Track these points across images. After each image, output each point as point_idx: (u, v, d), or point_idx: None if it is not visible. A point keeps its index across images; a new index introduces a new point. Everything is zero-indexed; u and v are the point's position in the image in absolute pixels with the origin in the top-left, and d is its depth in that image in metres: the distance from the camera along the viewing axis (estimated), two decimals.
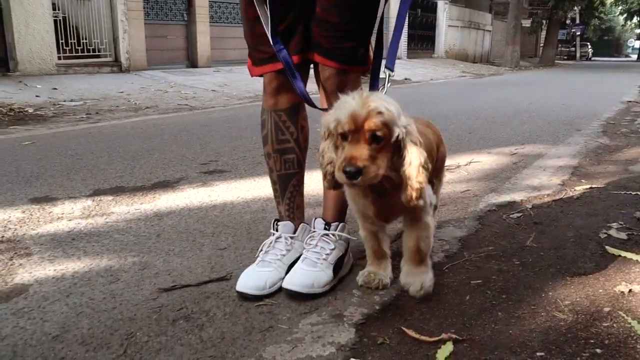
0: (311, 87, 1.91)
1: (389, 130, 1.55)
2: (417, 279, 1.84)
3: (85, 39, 10.72)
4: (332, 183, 1.68)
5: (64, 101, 7.73)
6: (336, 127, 1.58)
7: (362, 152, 1.52)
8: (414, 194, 1.61)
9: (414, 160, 1.60)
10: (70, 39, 10.35)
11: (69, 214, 2.76)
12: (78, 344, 1.57)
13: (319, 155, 1.69)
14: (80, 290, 1.92)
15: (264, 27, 1.87)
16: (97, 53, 10.97)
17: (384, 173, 1.57)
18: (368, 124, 1.52)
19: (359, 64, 1.97)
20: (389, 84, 1.85)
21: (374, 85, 1.91)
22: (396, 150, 1.61)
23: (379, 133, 1.53)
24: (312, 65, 2.04)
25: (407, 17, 1.95)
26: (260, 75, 2.06)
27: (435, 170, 2.03)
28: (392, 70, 1.89)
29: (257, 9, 1.87)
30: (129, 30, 11.18)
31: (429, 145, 1.89)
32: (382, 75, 1.90)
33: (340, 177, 1.55)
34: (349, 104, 1.56)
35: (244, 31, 2.03)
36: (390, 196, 1.70)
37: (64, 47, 10.21)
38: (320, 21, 1.89)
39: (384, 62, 1.92)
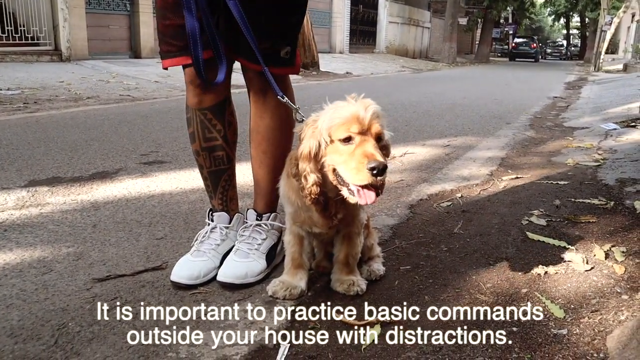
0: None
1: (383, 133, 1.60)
2: (348, 279, 1.85)
3: (24, 27, 10.37)
4: (320, 202, 1.67)
5: (0, 90, 7.46)
6: (336, 131, 1.56)
7: (378, 151, 1.53)
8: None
9: None
10: (7, 26, 9.99)
11: (2, 205, 2.70)
12: (7, 336, 1.56)
13: (300, 176, 1.65)
14: (10, 282, 1.89)
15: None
16: (36, 41, 10.62)
17: None
18: (375, 126, 1.55)
19: (280, 65, 1.91)
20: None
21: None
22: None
23: (383, 136, 1.58)
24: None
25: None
26: (166, 68, 2.01)
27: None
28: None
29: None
30: (69, 18, 10.87)
31: None
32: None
33: (361, 177, 1.51)
34: (347, 107, 1.57)
35: (157, 21, 1.93)
36: (335, 204, 1.71)
37: (0, 34, 9.84)
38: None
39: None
